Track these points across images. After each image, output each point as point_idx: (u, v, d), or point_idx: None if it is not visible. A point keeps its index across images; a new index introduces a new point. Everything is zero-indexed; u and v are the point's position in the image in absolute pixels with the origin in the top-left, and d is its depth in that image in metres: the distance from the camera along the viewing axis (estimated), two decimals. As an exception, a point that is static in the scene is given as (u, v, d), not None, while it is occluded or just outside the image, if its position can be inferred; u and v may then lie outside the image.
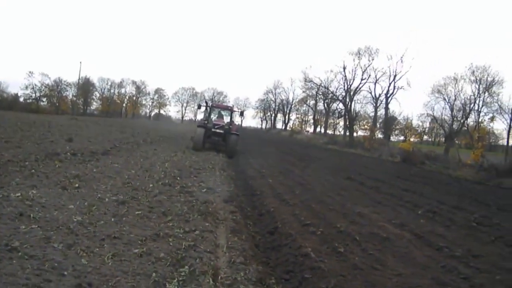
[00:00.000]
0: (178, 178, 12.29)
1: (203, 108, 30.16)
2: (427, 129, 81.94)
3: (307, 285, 5.55)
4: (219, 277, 5.13)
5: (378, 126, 66.50)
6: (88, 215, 6.98)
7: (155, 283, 4.63)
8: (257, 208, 10.67)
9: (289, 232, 7.91)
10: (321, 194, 13.07)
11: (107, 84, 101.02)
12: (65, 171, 10.91)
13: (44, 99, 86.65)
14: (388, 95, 62.46)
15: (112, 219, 6.97)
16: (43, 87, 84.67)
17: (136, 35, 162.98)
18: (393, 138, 74.87)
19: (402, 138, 71.75)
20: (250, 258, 6.29)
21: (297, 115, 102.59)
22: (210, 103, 30.81)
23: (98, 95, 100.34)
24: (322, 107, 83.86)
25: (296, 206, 10.74)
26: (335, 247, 7.18)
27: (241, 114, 31.10)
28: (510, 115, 46.28)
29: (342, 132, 75.41)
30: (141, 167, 13.68)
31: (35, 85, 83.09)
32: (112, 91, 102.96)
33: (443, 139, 68.50)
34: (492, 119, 51.60)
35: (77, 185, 9.29)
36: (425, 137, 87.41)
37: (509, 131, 48.34)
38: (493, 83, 51.81)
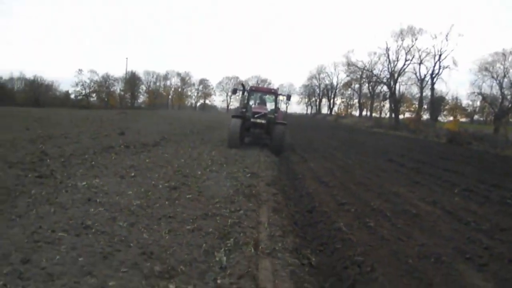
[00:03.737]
0: (225, 165, 13.15)
1: (240, 93, 25.40)
2: (477, 108, 79.72)
3: (337, 254, 6.30)
4: (260, 247, 5.95)
5: (424, 107, 65.72)
6: (145, 199, 7.93)
7: (205, 252, 5.50)
8: (298, 190, 11.42)
9: (325, 211, 8.65)
10: (360, 176, 13.70)
11: (152, 77, 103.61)
12: (121, 162, 11.97)
13: (94, 95, 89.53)
14: (434, 75, 61.26)
15: (166, 202, 7.89)
16: (92, 83, 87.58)
17: (179, 27, 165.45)
18: (442, 119, 73.52)
19: (451, 118, 70.28)
20: (288, 232, 7.11)
21: (342, 99, 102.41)
22: (248, 86, 24.59)
23: (144, 88, 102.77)
24: (367, 91, 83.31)
25: (334, 187, 11.43)
26: (366, 222, 7.88)
27: (288, 98, 24.42)
28: None
29: (388, 115, 74.73)
30: (190, 156, 14.66)
31: (85, 82, 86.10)
32: (157, 83, 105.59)
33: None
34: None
35: (133, 174, 10.32)
36: (476, 116, 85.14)
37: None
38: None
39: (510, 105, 52.50)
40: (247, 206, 8.17)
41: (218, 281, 4.65)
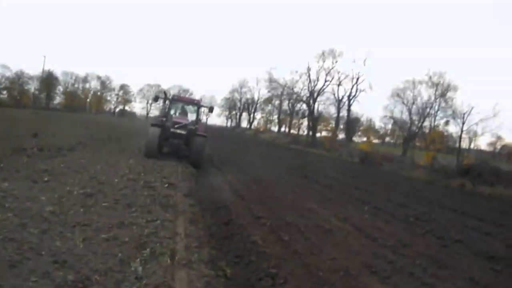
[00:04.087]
0: (142, 174, 12.96)
1: (161, 102, 24.14)
2: (389, 131, 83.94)
3: (252, 266, 6.45)
4: (176, 258, 5.96)
5: (341, 127, 68.29)
6: (58, 205, 7.66)
7: (121, 261, 5.44)
8: (215, 202, 11.46)
9: (242, 223, 8.80)
10: (276, 191, 14.06)
11: (71, 78, 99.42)
12: (34, 165, 11.45)
13: (4, 92, 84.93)
14: (351, 97, 64.04)
15: (81, 209, 7.67)
16: (3, 79, 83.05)
17: (101, 29, 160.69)
18: (356, 139, 76.68)
19: (365, 139, 73.48)
20: (204, 244, 7.18)
21: (262, 115, 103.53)
22: (170, 95, 23.62)
23: (61, 89, 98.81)
24: (287, 107, 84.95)
25: (251, 201, 11.63)
26: (281, 236, 8.14)
27: (210, 110, 24.04)
28: (461, 120, 48.39)
29: (305, 132, 76.70)
30: (107, 162, 14.30)
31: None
32: (76, 85, 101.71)
33: (403, 141, 70.62)
34: (446, 123, 54.28)
35: (46, 178, 9.90)
36: (387, 138, 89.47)
37: (460, 136, 50.78)
38: (449, 89, 54.09)
39: (417, 130, 55.87)
40: (164, 216, 8.13)
41: (134, 291, 4.63)
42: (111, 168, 13.16)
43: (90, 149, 18.23)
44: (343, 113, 67.02)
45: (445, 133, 57.71)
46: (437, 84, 54.41)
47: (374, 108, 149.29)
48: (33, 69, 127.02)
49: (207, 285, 5.38)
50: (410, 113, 57.12)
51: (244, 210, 10.33)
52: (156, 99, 23.70)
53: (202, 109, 23.29)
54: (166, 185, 11.69)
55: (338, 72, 63.41)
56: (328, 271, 6.53)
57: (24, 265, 4.82)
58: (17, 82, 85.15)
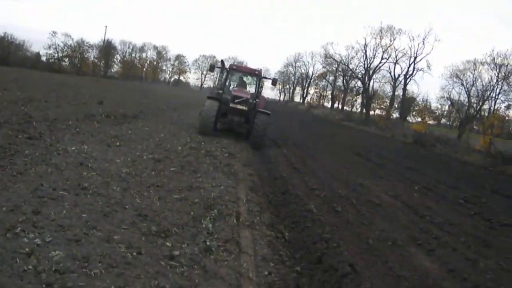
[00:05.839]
0: (203, 143, 13.77)
1: (217, 71, 21.97)
2: (445, 112, 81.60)
3: (307, 231, 7.05)
4: (240, 219, 6.69)
5: (395, 106, 67.14)
6: (133, 168, 8.53)
7: (193, 218, 6.20)
8: (272, 173, 12.14)
9: (297, 193, 9.39)
10: (329, 166, 14.54)
11: (128, 47, 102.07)
12: (104, 131, 12.45)
13: (66, 60, 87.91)
14: (407, 76, 61.99)
15: (153, 173, 8.52)
16: (66, 47, 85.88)
17: (159, 1, 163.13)
18: (410, 119, 75.05)
19: (419, 119, 71.82)
20: (264, 209, 7.93)
21: (316, 90, 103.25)
22: (227, 64, 20.35)
23: (119, 58, 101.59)
24: (341, 84, 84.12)
25: (305, 174, 12.17)
26: (334, 207, 8.69)
27: (274, 83, 21.20)
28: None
29: (359, 110, 75.93)
30: (169, 131, 15.24)
31: (58, 45, 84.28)
32: (133, 55, 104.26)
33: (460, 123, 68.23)
34: (508, 107, 52.06)
35: (118, 143, 10.86)
36: (443, 120, 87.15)
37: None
38: (512, 71, 51.39)
39: (475, 113, 54.00)
40: (227, 183, 8.90)
41: (207, 243, 5.35)
42: (174, 137, 14.05)
43: (152, 117, 19.30)
44: (399, 92, 65.51)
45: (506, 118, 55.63)
46: (500, 66, 51.23)
47: (431, 88, 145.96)
48: (93, 37, 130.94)
49: (269, 243, 6.09)
50: (469, 95, 54.98)
51: (299, 182, 10.90)
52: (212, 68, 20.69)
53: (264, 80, 21.15)
54: (226, 154, 12.44)
55: (396, 50, 61.77)
56: (377, 240, 7.04)
57: (114, 215, 5.64)
58: (78, 50, 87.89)
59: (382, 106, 69.39)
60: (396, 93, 65.82)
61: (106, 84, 45.77)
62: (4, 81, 24.37)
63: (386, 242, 7.02)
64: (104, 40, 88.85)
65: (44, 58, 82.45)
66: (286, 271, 5.53)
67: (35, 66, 68.95)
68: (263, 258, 5.65)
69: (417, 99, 73.44)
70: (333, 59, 71.76)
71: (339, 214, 8.26)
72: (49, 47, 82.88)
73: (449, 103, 62.09)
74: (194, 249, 5.10)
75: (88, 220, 5.26)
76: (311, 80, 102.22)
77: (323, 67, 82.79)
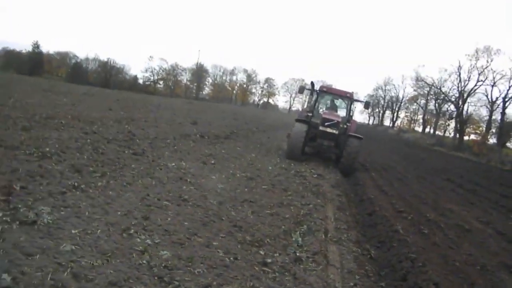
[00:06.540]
0: (292, 164, 14.22)
1: (307, 93, 21.55)
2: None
3: (393, 250, 7.23)
4: (328, 235, 7.04)
5: (492, 131, 63.90)
6: (227, 184, 9.19)
7: (284, 232, 6.66)
8: (359, 195, 12.32)
9: (384, 215, 9.53)
10: (417, 190, 14.39)
11: (219, 71, 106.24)
12: (200, 150, 13.30)
13: (161, 82, 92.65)
14: (506, 99, 58.02)
15: (246, 189, 9.12)
16: (161, 71, 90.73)
17: (251, 25, 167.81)
18: (511, 145, 70.84)
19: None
20: (351, 227, 8.21)
21: (406, 114, 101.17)
22: (317, 86, 19.43)
23: (210, 81, 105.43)
24: (433, 107, 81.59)
25: (393, 196, 12.21)
26: (421, 229, 8.72)
27: (366, 106, 20.54)
28: None
29: (451, 135, 73.11)
30: (259, 152, 15.89)
31: (154, 68, 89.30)
32: (224, 78, 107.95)
33: None
34: None
35: (212, 161, 11.63)
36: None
37: None
38: None
39: None
40: (316, 202, 9.29)
41: (297, 254, 5.76)
42: (264, 157, 14.64)
43: (243, 138, 20.04)
44: (496, 116, 61.83)
45: None
46: None
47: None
48: (187, 62, 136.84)
49: (355, 259, 6.39)
50: None
51: (387, 204, 10.99)
52: (301, 90, 20.55)
53: (355, 103, 19.96)
54: (315, 175, 12.81)
55: (493, 71, 58.61)
56: (465, 263, 7.03)
57: (212, 225, 6.23)
58: (172, 73, 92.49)
59: (477, 131, 66.44)
60: (494, 117, 62.37)
61: (198, 105, 47.82)
62: (108, 102, 26.30)
63: (474, 266, 6.99)
64: (197, 63, 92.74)
65: (141, 81, 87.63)
66: (371, 285, 5.79)
67: (132, 88, 73.62)
68: (349, 271, 5.94)
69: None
70: (425, 82, 69.95)
71: (425, 236, 8.31)
72: (146, 70, 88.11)
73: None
74: (285, 258, 5.53)
75: (189, 227, 5.87)
76: (402, 104, 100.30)
77: (414, 90, 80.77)
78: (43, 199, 5.71)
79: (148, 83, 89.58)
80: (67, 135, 10.68)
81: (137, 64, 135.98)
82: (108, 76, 76.46)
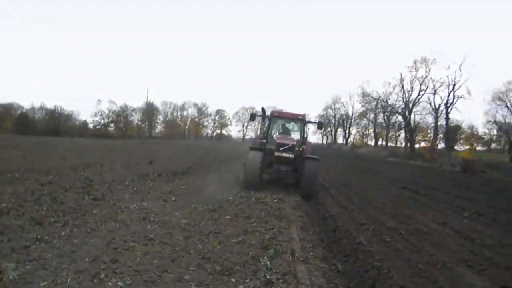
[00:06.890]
0: (252, 192, 14.33)
1: (259, 120, 21.25)
2: (495, 136, 79.64)
3: (359, 262, 7.51)
4: (295, 255, 7.20)
5: (440, 136, 66.03)
6: (190, 219, 9.26)
7: (252, 258, 6.78)
8: (321, 213, 12.61)
9: (347, 229, 9.84)
10: (376, 201, 14.85)
11: (169, 107, 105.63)
12: (159, 188, 13.33)
13: (112, 125, 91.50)
14: (448, 105, 60.31)
15: (209, 221, 9.21)
16: (111, 113, 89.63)
17: (195, 59, 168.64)
18: (459, 148, 73.35)
19: (468, 147, 70.09)
20: (317, 245, 8.38)
21: (358, 129, 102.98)
22: (268, 112, 19.26)
23: (161, 118, 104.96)
24: (382, 120, 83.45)
25: (353, 211, 12.58)
26: (383, 238, 9.10)
27: (319, 126, 20.67)
28: None
29: (403, 144, 75.04)
30: (219, 183, 15.94)
31: (103, 112, 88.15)
32: (174, 114, 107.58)
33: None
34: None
35: (173, 198, 11.71)
36: (493, 145, 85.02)
37: None
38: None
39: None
40: (279, 225, 9.44)
41: (268, 277, 5.90)
42: (224, 188, 14.70)
43: (201, 172, 20.04)
44: (442, 121, 64.11)
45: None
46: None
47: (475, 114, 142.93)
48: (136, 101, 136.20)
49: (323, 275, 6.56)
50: (515, 117, 53.96)
51: (348, 219, 11.32)
52: (253, 117, 19.47)
53: (308, 125, 19.98)
54: (276, 200, 13.00)
55: (433, 80, 60.73)
56: (427, 264, 7.41)
57: (181, 260, 6.31)
58: (122, 115, 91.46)
59: (426, 138, 68.53)
60: (439, 123, 64.64)
61: (152, 144, 47.66)
62: (60, 151, 25.92)
63: (436, 265, 7.38)
64: (146, 102, 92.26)
65: (91, 125, 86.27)
66: (342, 298, 5.99)
67: (83, 133, 72.46)
68: (319, 287, 6.12)
69: (462, 127, 71.94)
70: (371, 97, 71.62)
71: (388, 244, 8.66)
72: (95, 114, 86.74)
73: (496, 127, 60.62)
74: (257, 283, 5.67)
75: (159, 265, 5.94)
76: (352, 120, 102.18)
77: (362, 106, 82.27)
78: (6, 256, 5.70)
79: (99, 127, 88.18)
80: (22, 188, 10.59)
81: (86, 109, 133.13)
82: (57, 124, 74.87)
